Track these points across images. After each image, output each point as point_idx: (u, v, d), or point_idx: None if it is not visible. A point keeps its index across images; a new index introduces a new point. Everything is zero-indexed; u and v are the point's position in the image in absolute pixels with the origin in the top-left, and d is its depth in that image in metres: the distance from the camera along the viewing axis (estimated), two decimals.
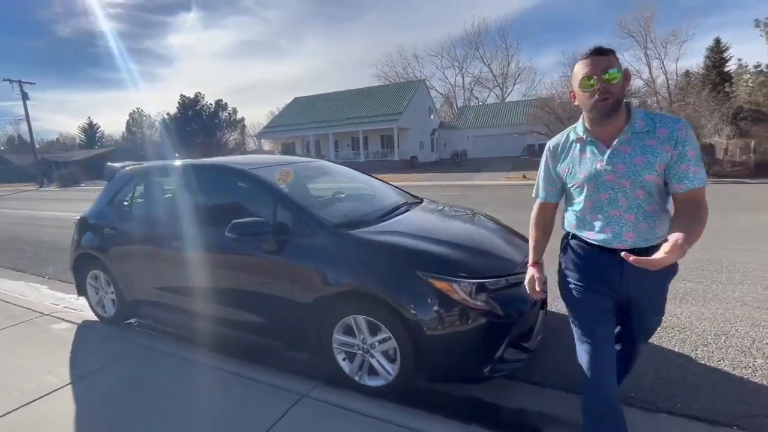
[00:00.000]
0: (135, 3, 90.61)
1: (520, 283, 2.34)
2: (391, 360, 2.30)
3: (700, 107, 19.91)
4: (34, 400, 2.38)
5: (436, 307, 2.11)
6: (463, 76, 50.92)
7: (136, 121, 61.31)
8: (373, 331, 2.31)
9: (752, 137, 16.06)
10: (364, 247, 2.36)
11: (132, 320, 3.62)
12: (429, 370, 2.20)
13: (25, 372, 2.72)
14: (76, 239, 3.68)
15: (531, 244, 1.82)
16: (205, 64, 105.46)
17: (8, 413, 2.27)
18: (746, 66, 16.83)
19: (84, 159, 43.64)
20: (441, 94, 50.98)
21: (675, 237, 1.25)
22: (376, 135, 31.78)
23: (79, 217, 3.75)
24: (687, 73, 35.48)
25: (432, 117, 37.32)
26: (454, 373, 2.20)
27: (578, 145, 1.59)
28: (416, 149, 32.13)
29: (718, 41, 34.19)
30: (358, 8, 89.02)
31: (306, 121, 33.14)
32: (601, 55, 1.42)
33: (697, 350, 2.73)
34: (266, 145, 38.68)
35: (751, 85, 16.60)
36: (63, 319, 3.63)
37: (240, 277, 2.69)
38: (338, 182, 3.70)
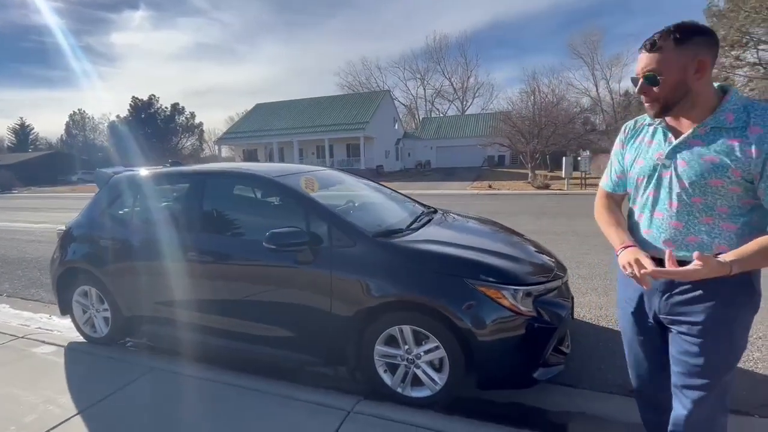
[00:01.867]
0: None
1: (557, 288, 2.46)
2: (437, 370, 2.30)
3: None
4: None
5: (487, 315, 2.14)
6: (424, 88, 52.42)
7: (77, 123, 56.78)
8: (419, 341, 2.29)
9: None
10: (408, 255, 2.35)
11: (125, 340, 3.31)
12: (480, 377, 2.21)
13: (19, 403, 2.39)
14: (61, 253, 3.32)
15: (611, 230, 1.47)
16: (157, 65, 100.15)
17: None
18: None
19: (15, 163, 39.50)
20: (404, 105, 52.06)
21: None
22: (341, 144, 31.71)
23: (65, 228, 3.39)
24: (626, 93, 39.07)
25: (396, 127, 37.91)
26: (505, 379, 2.23)
27: (650, 129, 1.40)
28: (382, 158, 32.41)
29: None
30: (317, 16, 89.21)
31: (269, 127, 32.38)
32: (646, 50, 1.24)
33: None
34: (225, 151, 37.26)
35: None
36: (44, 342, 3.25)
37: (269, 289, 2.57)
38: (349, 191, 3.65)
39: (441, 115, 48.65)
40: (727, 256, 1.17)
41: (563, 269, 2.70)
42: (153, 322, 3.02)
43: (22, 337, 3.34)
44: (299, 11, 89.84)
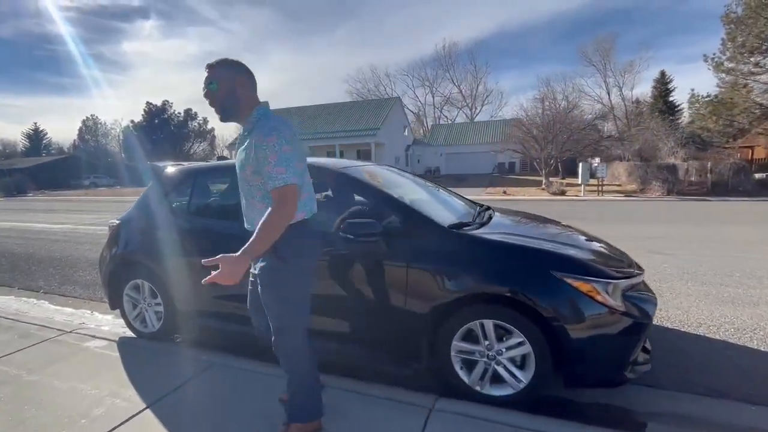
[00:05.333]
0: (86, 7, 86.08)
1: (639, 284, 2.36)
2: (519, 367, 2.20)
3: (658, 132, 21.71)
4: (116, 428, 2.03)
5: (579, 309, 2.04)
6: (433, 96, 52.59)
7: (89, 128, 57.59)
8: (500, 336, 2.20)
9: (705, 159, 17.68)
10: (491, 247, 2.27)
11: (175, 336, 3.24)
12: (570, 375, 2.11)
13: (83, 397, 2.32)
14: (112, 246, 3.28)
15: None
16: (167, 73, 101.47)
17: None
18: (698, 95, 18.71)
19: (30, 167, 40.05)
20: (412, 111, 52.21)
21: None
22: (352, 149, 31.78)
23: (117, 222, 3.35)
24: (637, 101, 38.86)
25: (406, 133, 37.99)
26: (597, 377, 2.12)
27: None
28: (392, 164, 32.35)
29: (663, 73, 37.94)
30: (324, 25, 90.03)
31: None
32: (208, 69, 1.69)
33: None
34: None
35: (702, 112, 18.41)
36: (94, 336, 3.19)
37: (339, 283, 2.49)
38: (399, 185, 3.58)
39: (449, 122, 48.73)
40: (242, 250, 1.55)
41: (639, 267, 2.60)
42: (209, 316, 2.95)
43: (71, 332, 3.29)
44: (306, 20, 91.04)
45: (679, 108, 36.10)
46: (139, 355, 2.87)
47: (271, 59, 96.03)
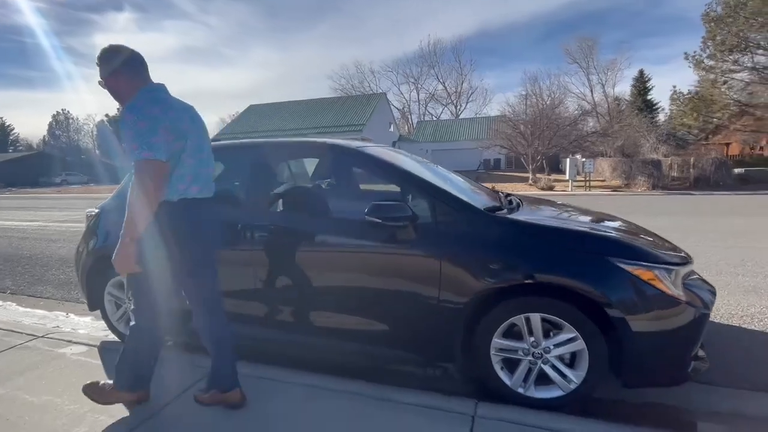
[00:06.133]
0: None
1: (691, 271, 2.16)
2: (568, 365, 1.96)
3: (640, 129, 22.12)
4: None
5: (640, 299, 1.81)
6: (418, 92, 52.44)
7: (60, 123, 55.03)
8: (546, 331, 1.95)
9: (685, 155, 18.08)
10: (537, 233, 2.01)
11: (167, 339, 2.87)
12: (630, 374, 1.87)
13: (59, 414, 1.95)
14: (91, 239, 2.88)
15: None
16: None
17: None
18: (680, 92, 19.11)
19: None
20: (397, 108, 51.89)
21: None
22: None
23: (95, 211, 2.95)
24: (617, 99, 39.79)
25: (392, 130, 37.69)
26: (660, 375, 1.89)
27: None
28: None
29: (641, 72, 38.95)
30: (305, 21, 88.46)
31: (265, 129, 31.81)
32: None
33: None
34: None
35: (683, 109, 18.83)
36: (71, 341, 2.79)
37: (362, 275, 2.19)
38: (417, 168, 3.30)
39: (434, 118, 48.71)
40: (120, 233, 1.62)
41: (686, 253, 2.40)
42: None
43: (43, 337, 2.88)
44: (287, 16, 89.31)
45: (656, 106, 37.13)
46: None
47: (251, 55, 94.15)
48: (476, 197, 2.46)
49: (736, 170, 16.53)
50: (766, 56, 17.00)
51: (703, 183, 15.79)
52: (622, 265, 1.84)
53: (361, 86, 51.83)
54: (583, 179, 17.46)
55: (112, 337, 2.90)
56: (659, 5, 65.29)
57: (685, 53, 18.89)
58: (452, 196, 2.15)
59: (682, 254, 2.11)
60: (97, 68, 1.76)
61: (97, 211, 2.94)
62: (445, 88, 50.98)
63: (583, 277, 1.84)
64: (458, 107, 50.87)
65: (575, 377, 1.92)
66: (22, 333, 2.96)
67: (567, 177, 17.66)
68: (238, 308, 2.45)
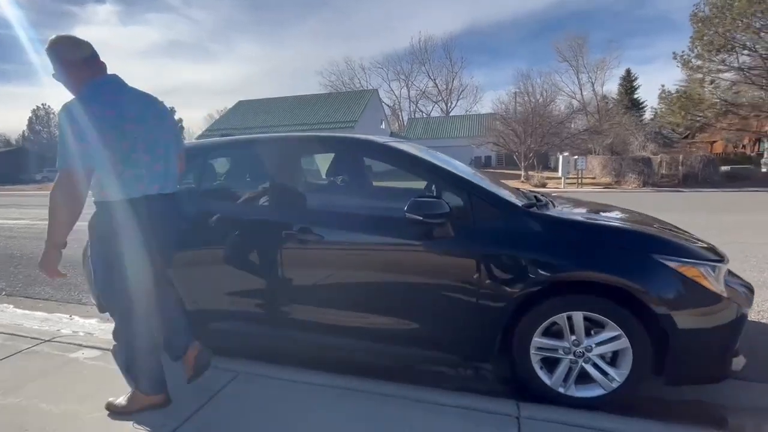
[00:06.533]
0: None
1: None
2: (610, 364, 1.93)
3: (629, 127, 22.49)
4: None
5: (686, 296, 1.80)
6: (408, 89, 52.34)
7: (41, 118, 53.32)
8: (587, 329, 1.92)
9: (674, 153, 18.44)
10: (580, 230, 1.98)
11: None
12: (673, 371, 1.86)
13: (83, 424, 1.84)
14: None
15: None
16: (130, 61, 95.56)
17: None
18: (668, 91, 19.45)
19: None
20: (387, 105, 51.71)
21: None
22: None
23: None
24: (604, 98, 40.43)
25: (383, 126, 37.57)
26: (703, 372, 1.88)
27: None
28: None
29: (628, 71, 39.63)
30: (293, 15, 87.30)
31: (255, 124, 31.33)
32: None
33: None
34: None
35: (672, 108, 19.20)
36: (81, 345, 2.66)
37: (395, 273, 2.13)
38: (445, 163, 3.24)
39: (425, 115, 48.72)
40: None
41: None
42: (228, 318, 2.50)
43: (50, 341, 2.74)
44: (274, 10, 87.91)
45: (643, 105, 37.84)
46: None
47: (238, 49, 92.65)
48: (508, 193, 2.41)
49: (723, 168, 16.93)
50: (752, 56, 17.42)
51: (691, 180, 16.13)
52: (668, 262, 1.82)
53: (351, 82, 51.55)
54: (575, 176, 17.67)
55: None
56: (642, 6, 66.53)
57: (674, 53, 19.24)
58: (491, 192, 2.10)
59: (720, 252, 2.10)
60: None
61: None
62: (436, 85, 51.03)
63: (630, 275, 1.81)
64: (449, 104, 51.00)
65: (618, 375, 1.90)
66: (26, 337, 2.81)
67: (560, 174, 17.85)
68: (266, 309, 2.36)
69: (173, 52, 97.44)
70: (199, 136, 34.41)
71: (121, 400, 1.89)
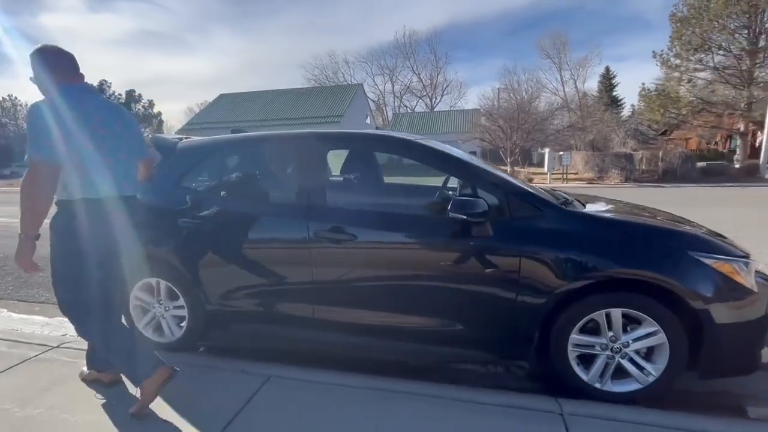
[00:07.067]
0: None
1: None
2: (646, 359, 1.97)
3: (610, 124, 23.09)
4: None
5: (721, 292, 1.85)
6: (393, 84, 52.18)
7: (7, 110, 50.61)
8: (624, 326, 1.96)
9: (653, 149, 19.04)
10: (619, 228, 2.01)
11: (198, 344, 2.68)
12: (708, 365, 1.91)
13: None
14: None
15: None
16: (102, 51, 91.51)
17: None
18: (648, 89, 20.06)
19: None
20: (372, 100, 51.44)
21: None
22: None
23: None
24: (584, 95, 41.34)
25: (368, 121, 37.43)
26: (735, 364, 1.94)
27: None
28: None
29: (608, 69, 40.59)
30: (272, 6, 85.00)
31: (239, 118, 30.66)
32: None
33: None
34: None
35: (652, 105, 19.82)
36: None
37: (432, 273, 2.11)
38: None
39: (410, 110, 48.74)
40: None
41: None
42: (254, 319, 2.43)
43: (59, 347, 2.61)
44: (253, 1, 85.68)
45: (621, 102, 38.88)
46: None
47: (216, 41, 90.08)
48: (546, 193, 2.42)
49: (699, 164, 17.58)
50: (727, 56, 18.12)
51: (670, 176, 16.69)
52: (704, 259, 1.86)
53: (335, 77, 51.00)
54: (560, 172, 18.03)
55: None
56: (617, 5, 68.15)
57: (653, 52, 19.82)
58: (525, 190, 2.10)
59: (744, 249, 2.17)
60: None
61: None
62: (420, 80, 51.03)
63: (670, 272, 1.85)
64: (433, 100, 51.12)
65: (654, 370, 1.94)
66: (31, 343, 2.67)
67: (545, 169, 18.18)
68: (296, 310, 2.31)
69: (147, 42, 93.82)
70: (180, 130, 33.43)
71: (138, 403, 1.88)
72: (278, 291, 2.34)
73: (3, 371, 2.32)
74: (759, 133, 18.45)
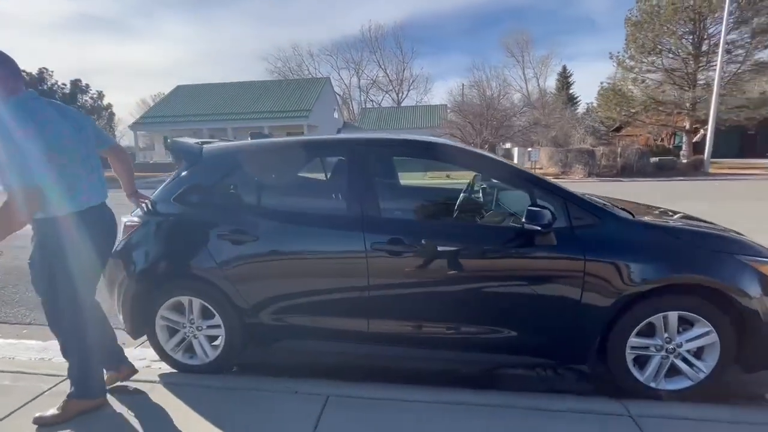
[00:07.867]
0: None
1: None
2: (697, 357, 2.09)
3: (571, 121, 24.28)
4: None
5: (766, 290, 1.99)
6: (359, 78, 51.76)
7: None
8: (677, 327, 2.06)
9: (608, 145, 20.26)
10: (675, 235, 2.09)
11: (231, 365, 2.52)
12: (754, 359, 2.05)
13: None
14: (136, 255, 2.38)
15: None
16: (40, 37, 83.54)
17: None
18: (606, 88, 21.31)
19: None
20: (338, 94, 50.74)
21: None
22: (282, 132, 29.81)
23: (135, 221, 2.44)
24: (543, 93, 43.18)
25: (336, 116, 36.89)
26: None
27: None
28: None
29: (565, 68, 42.58)
30: None
31: (198, 112, 29.18)
32: None
33: None
34: (142, 139, 32.70)
35: (609, 104, 21.10)
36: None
37: (495, 282, 2.10)
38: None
39: (376, 105, 48.62)
40: None
41: None
42: (297, 332, 2.32)
43: None
44: None
45: (577, 100, 41.00)
46: (212, 399, 2.13)
47: (166, 28, 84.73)
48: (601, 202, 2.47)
49: (652, 159, 18.93)
50: (675, 59, 19.59)
51: (628, 171, 17.84)
52: (749, 262, 2.00)
53: (299, 69, 49.79)
54: (528, 167, 18.75)
55: (165, 367, 2.48)
56: (568, 6, 71.58)
57: (610, 53, 21.05)
58: (583, 200, 2.15)
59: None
60: None
61: (137, 221, 2.44)
62: (387, 74, 50.97)
63: (722, 275, 1.97)
64: (400, 95, 51.27)
65: (704, 367, 2.06)
66: (38, 374, 2.40)
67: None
68: (350, 324, 2.23)
69: (90, 27, 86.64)
70: (134, 124, 31.23)
71: (52, 411, 1.91)
72: (331, 302, 2.24)
73: (19, 408, 2.06)
74: (701, 130, 20.16)
